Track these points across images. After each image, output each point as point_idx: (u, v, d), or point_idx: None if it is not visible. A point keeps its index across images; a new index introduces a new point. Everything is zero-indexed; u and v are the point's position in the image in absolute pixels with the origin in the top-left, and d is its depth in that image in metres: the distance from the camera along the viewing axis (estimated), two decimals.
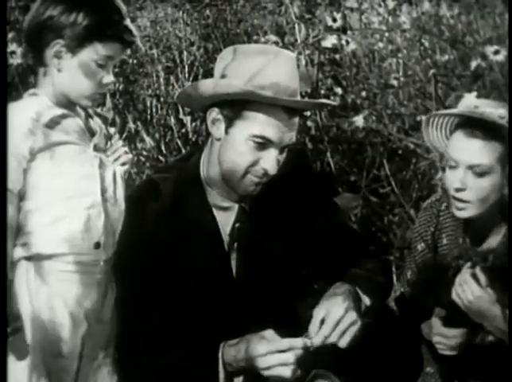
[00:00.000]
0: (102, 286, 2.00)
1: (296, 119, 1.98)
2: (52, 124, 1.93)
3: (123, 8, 1.97)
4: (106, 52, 1.93)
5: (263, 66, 1.92)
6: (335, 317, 1.83)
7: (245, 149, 1.95)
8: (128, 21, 1.97)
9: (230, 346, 1.89)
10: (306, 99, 2.06)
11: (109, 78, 1.97)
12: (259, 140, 1.94)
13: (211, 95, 1.95)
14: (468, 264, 2.02)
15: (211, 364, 1.89)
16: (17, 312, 1.90)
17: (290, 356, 1.81)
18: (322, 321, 1.85)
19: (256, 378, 1.87)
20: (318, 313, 1.86)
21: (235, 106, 1.94)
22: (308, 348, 1.83)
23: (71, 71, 1.93)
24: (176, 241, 2.01)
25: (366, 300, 1.97)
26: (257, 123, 1.93)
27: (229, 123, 1.96)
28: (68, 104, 1.98)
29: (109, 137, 2.09)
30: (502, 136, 2.04)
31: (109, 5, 1.95)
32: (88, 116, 2.06)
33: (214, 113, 1.98)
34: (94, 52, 1.92)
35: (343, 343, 1.84)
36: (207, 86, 1.96)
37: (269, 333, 1.86)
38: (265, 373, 1.83)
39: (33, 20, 1.95)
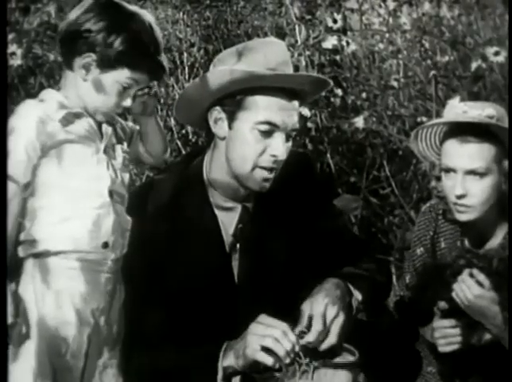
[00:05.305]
0: (110, 286, 1.99)
1: (296, 103, 1.99)
2: (65, 122, 1.94)
3: (161, 42, 1.98)
4: (133, 77, 1.95)
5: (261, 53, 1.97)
6: (319, 314, 1.87)
7: (251, 138, 1.95)
8: (163, 57, 1.98)
9: (231, 349, 1.88)
10: None
11: (128, 102, 1.98)
12: (264, 127, 1.94)
13: (224, 84, 1.94)
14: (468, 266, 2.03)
15: (211, 361, 1.88)
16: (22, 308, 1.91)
17: (281, 348, 1.80)
18: (309, 318, 1.89)
19: (253, 378, 1.87)
20: (305, 308, 1.90)
21: (236, 98, 1.94)
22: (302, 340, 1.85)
23: (95, 85, 1.95)
24: (177, 241, 2.01)
25: (358, 295, 1.97)
26: (259, 110, 1.94)
27: (232, 118, 1.96)
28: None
29: (119, 138, 2.09)
30: (494, 135, 2.05)
31: (148, 37, 1.95)
32: None
33: (215, 112, 1.98)
34: (122, 75, 1.93)
35: (332, 338, 1.87)
36: (221, 73, 1.94)
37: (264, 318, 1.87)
38: (252, 355, 1.82)
39: (71, 26, 1.95)
